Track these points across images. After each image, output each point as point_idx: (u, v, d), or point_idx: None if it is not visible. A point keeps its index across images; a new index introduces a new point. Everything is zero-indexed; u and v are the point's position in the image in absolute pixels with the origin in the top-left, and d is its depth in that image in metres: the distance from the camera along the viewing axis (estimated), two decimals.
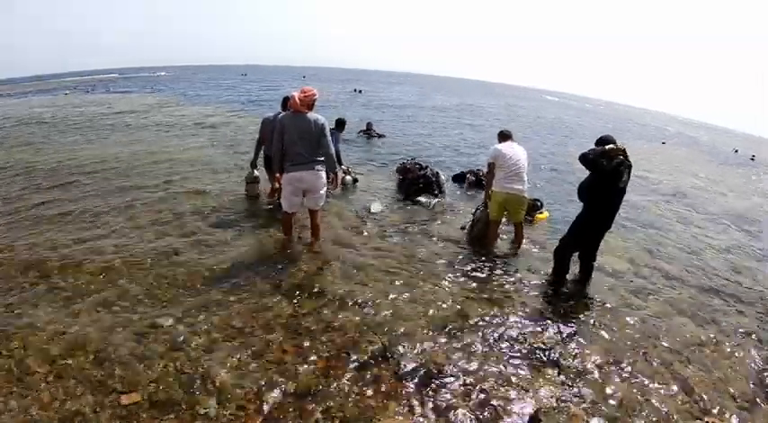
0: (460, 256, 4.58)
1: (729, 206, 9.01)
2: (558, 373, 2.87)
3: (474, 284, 3.99)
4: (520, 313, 3.56)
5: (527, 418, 2.47)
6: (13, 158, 7.72)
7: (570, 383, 2.79)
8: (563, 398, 2.65)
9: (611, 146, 3.70)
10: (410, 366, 2.79)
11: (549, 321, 3.48)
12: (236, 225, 4.92)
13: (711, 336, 3.59)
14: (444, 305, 3.56)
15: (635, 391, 2.78)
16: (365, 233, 5.01)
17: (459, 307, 3.54)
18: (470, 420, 2.43)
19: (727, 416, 2.68)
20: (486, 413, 2.48)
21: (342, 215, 5.52)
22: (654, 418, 2.57)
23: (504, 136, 4.91)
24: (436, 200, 6.32)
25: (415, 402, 2.51)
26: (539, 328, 3.36)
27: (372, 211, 5.72)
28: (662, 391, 2.80)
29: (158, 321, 3.05)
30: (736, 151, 24.06)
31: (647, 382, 2.86)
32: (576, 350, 3.14)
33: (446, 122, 17.21)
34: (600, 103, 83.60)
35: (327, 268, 4.04)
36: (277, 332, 3.04)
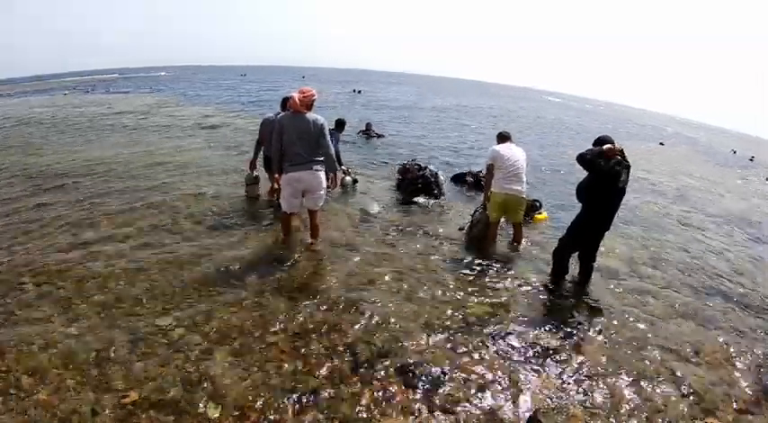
0: (459, 257, 4.59)
1: (729, 207, 9.03)
2: (558, 374, 2.88)
3: (473, 285, 3.99)
4: (519, 314, 3.56)
5: (526, 418, 2.47)
6: (11, 160, 7.71)
7: (570, 384, 2.79)
8: (562, 398, 2.66)
9: (609, 146, 3.71)
10: (410, 367, 2.79)
11: (548, 322, 3.48)
12: (236, 226, 4.91)
13: (711, 336, 3.59)
14: (443, 305, 3.56)
15: (634, 391, 2.78)
16: (364, 234, 5.01)
17: (458, 307, 3.54)
18: (470, 420, 2.43)
19: (727, 417, 2.68)
20: (485, 413, 2.49)
21: (341, 215, 5.52)
22: (654, 419, 2.57)
23: (502, 137, 4.92)
24: (434, 200, 6.32)
25: (415, 403, 2.51)
26: (538, 329, 3.36)
27: (371, 211, 5.72)
28: (662, 392, 2.80)
29: (158, 322, 3.05)
30: (735, 152, 24.12)
31: (646, 383, 2.87)
32: (576, 351, 3.14)
33: (445, 123, 17.24)
34: (599, 103, 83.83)
35: (326, 269, 4.04)
36: (276, 333, 3.04)
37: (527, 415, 2.49)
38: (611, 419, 2.53)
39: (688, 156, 18.58)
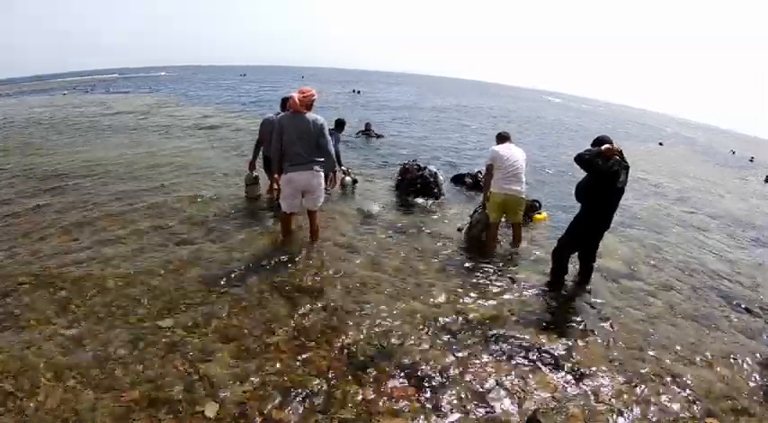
0: (459, 257, 4.59)
1: (728, 208, 9.04)
2: (557, 374, 2.88)
3: (472, 285, 3.99)
4: (518, 314, 3.56)
5: (526, 418, 2.47)
6: (10, 160, 7.70)
7: (569, 384, 2.80)
8: (562, 398, 2.66)
9: (608, 146, 3.71)
10: (409, 367, 2.79)
11: (547, 322, 3.48)
12: (236, 227, 4.91)
13: (711, 337, 3.60)
14: (443, 306, 3.56)
15: (634, 391, 2.79)
16: (364, 234, 5.00)
17: (457, 308, 3.55)
18: (469, 420, 2.43)
19: (727, 417, 2.68)
20: (485, 413, 2.49)
21: (341, 216, 5.52)
22: (653, 420, 2.58)
23: (502, 137, 4.92)
24: (432, 201, 6.33)
25: (415, 403, 2.51)
26: (537, 329, 3.36)
27: (371, 212, 5.72)
28: (661, 393, 2.81)
29: (158, 323, 3.05)
30: (734, 152, 24.15)
31: (646, 383, 2.87)
32: (575, 351, 3.14)
33: (445, 124, 17.24)
34: (599, 103, 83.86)
35: (326, 269, 4.04)
36: (276, 333, 3.04)
37: (526, 415, 2.49)
38: (610, 420, 2.54)
39: (687, 156, 18.60)
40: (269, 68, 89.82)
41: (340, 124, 6.97)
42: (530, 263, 4.60)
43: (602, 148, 3.71)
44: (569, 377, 2.86)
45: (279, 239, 4.54)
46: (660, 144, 20.74)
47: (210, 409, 2.35)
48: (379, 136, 11.72)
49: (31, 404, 2.31)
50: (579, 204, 4.00)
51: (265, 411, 2.37)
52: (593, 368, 2.97)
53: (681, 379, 2.96)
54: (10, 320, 3.02)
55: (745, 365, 3.24)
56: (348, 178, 6.82)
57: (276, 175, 4.26)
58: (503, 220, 4.89)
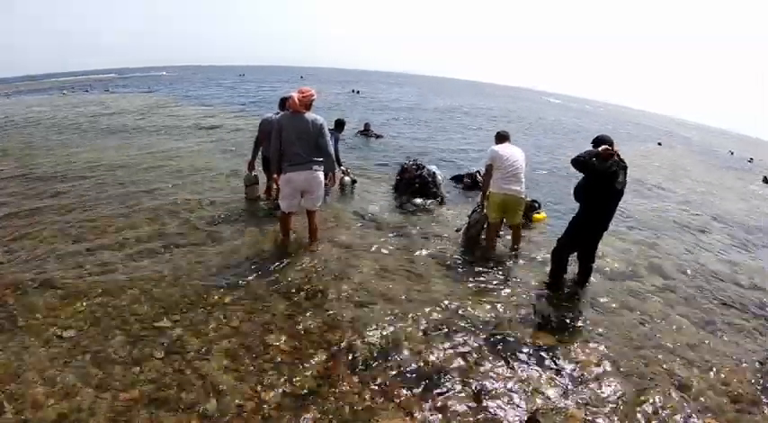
0: (457, 258, 4.59)
1: (728, 209, 9.04)
2: (556, 374, 2.88)
3: (471, 286, 3.99)
4: (518, 314, 3.56)
5: (525, 418, 2.47)
6: (9, 161, 7.68)
7: (568, 384, 2.80)
8: (561, 398, 2.66)
9: (605, 147, 3.71)
10: (408, 367, 2.79)
11: (547, 322, 3.49)
12: (235, 227, 4.90)
13: (710, 337, 3.60)
14: (442, 306, 3.56)
15: (633, 391, 2.79)
16: (362, 234, 5.00)
17: (456, 308, 3.55)
18: (468, 421, 2.43)
19: (727, 417, 2.69)
20: (484, 413, 2.49)
21: (339, 216, 5.52)
22: (653, 419, 2.58)
23: (501, 137, 4.91)
24: (431, 201, 6.32)
25: (414, 403, 2.51)
26: (537, 329, 3.37)
27: (370, 212, 5.72)
28: (660, 392, 2.80)
29: (156, 324, 3.04)
30: (732, 153, 24.16)
31: (645, 383, 2.87)
32: (574, 351, 3.14)
33: (445, 124, 17.24)
34: (599, 104, 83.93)
35: (325, 269, 4.03)
36: (275, 333, 3.04)
37: (526, 415, 2.49)
38: (609, 420, 2.54)
39: (686, 157, 18.60)
40: (269, 68, 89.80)
41: (340, 124, 6.96)
42: (529, 263, 4.60)
43: (600, 149, 3.72)
44: (569, 377, 2.86)
45: (278, 239, 4.54)
46: (659, 144, 20.75)
47: (209, 409, 2.35)
48: (378, 136, 11.72)
49: (31, 404, 2.30)
50: (578, 205, 4.00)
51: (265, 411, 2.37)
52: (593, 368, 2.97)
53: (680, 379, 2.96)
54: (9, 321, 3.02)
55: (744, 366, 3.24)
56: (347, 178, 6.81)
57: (275, 175, 4.25)
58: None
